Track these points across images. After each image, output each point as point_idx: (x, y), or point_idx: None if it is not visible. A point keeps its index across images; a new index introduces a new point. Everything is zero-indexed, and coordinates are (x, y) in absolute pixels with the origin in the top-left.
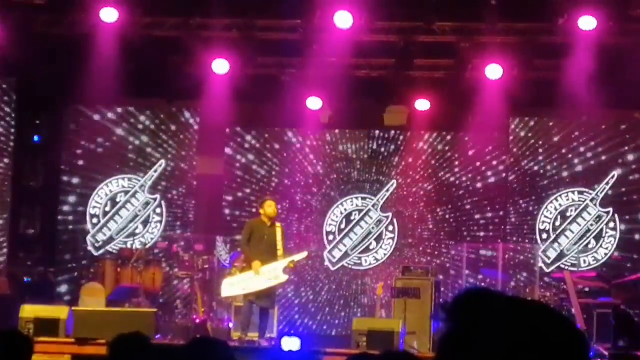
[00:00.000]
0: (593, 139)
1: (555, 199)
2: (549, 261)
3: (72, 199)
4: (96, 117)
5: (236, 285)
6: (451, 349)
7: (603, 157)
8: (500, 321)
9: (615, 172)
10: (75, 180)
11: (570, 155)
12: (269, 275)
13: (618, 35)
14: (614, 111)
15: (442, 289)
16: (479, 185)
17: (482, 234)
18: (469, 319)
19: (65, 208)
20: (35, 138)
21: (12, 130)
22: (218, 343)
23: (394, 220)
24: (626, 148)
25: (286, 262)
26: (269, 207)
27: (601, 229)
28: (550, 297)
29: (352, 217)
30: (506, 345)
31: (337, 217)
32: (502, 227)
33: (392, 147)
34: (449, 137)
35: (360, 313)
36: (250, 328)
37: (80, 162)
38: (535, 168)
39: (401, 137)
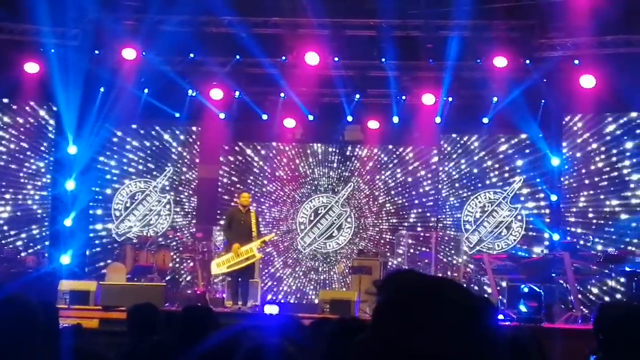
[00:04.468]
0: (504, 153)
1: (476, 197)
2: (471, 245)
3: (100, 197)
4: (119, 133)
5: (221, 265)
6: (381, 316)
7: (510, 167)
8: (417, 294)
9: (521, 177)
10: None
11: (487, 164)
12: (246, 255)
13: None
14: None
15: (388, 268)
16: (417, 186)
17: (420, 224)
18: (394, 293)
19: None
20: (71, 151)
21: (53, 148)
22: (204, 309)
23: (351, 214)
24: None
25: (258, 242)
26: (242, 198)
27: (511, 221)
28: (472, 274)
29: (319, 212)
30: (419, 313)
31: (307, 211)
32: (436, 219)
33: (351, 157)
34: (394, 149)
35: (325, 286)
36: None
37: (109, 168)
38: (461, 174)
39: (358, 150)
